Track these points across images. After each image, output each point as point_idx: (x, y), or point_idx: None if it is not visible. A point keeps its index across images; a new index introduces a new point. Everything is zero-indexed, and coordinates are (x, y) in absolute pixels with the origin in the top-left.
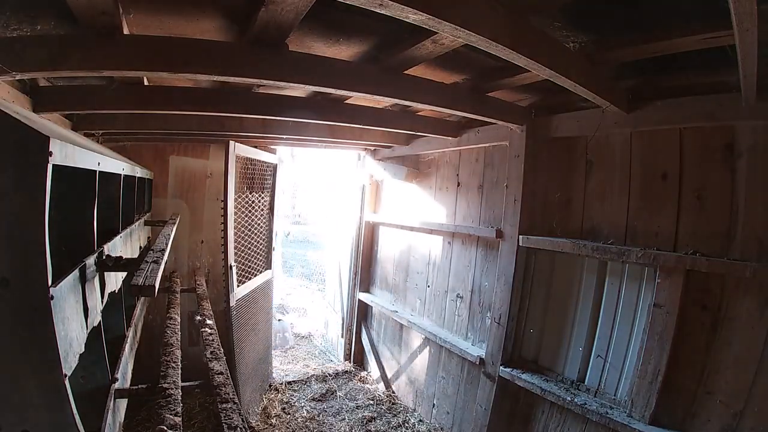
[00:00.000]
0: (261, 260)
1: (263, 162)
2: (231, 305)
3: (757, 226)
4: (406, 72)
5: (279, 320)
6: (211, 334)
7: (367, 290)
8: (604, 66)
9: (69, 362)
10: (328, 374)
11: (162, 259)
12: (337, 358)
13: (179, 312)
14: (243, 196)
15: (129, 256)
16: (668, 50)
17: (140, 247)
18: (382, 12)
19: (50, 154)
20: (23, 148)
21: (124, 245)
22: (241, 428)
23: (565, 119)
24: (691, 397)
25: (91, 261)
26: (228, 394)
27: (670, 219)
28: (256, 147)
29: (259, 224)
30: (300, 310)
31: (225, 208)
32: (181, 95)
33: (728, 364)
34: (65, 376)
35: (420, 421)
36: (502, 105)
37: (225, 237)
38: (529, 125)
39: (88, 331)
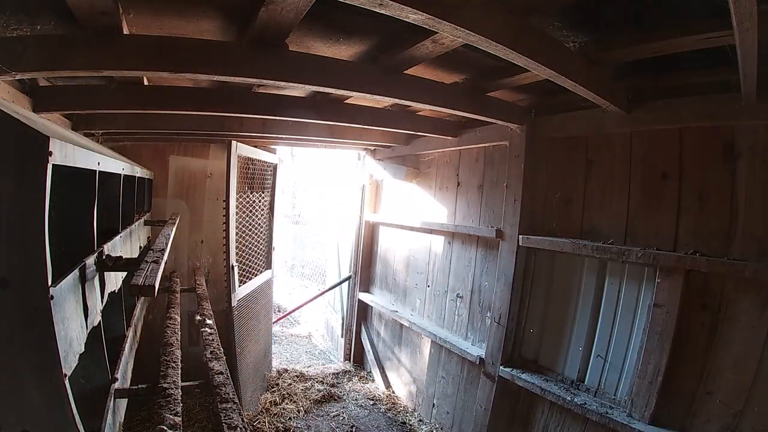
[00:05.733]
0: (261, 260)
1: (264, 162)
2: (233, 305)
3: (757, 226)
4: (406, 72)
5: None
6: (211, 334)
7: (367, 290)
8: (604, 66)
9: (69, 362)
10: (329, 374)
11: (162, 259)
12: (337, 358)
13: (179, 312)
14: (244, 195)
15: (129, 256)
16: (668, 50)
17: (140, 247)
18: (382, 12)
19: (50, 154)
20: (23, 148)
21: (124, 245)
22: (241, 428)
23: (565, 119)
24: (691, 397)
25: (91, 261)
26: (228, 394)
27: (670, 219)
28: (256, 147)
29: (259, 224)
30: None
31: (227, 208)
32: (181, 95)
33: (728, 364)
34: (65, 376)
35: (420, 421)
36: (502, 105)
37: (227, 237)
38: (529, 125)
39: (88, 331)
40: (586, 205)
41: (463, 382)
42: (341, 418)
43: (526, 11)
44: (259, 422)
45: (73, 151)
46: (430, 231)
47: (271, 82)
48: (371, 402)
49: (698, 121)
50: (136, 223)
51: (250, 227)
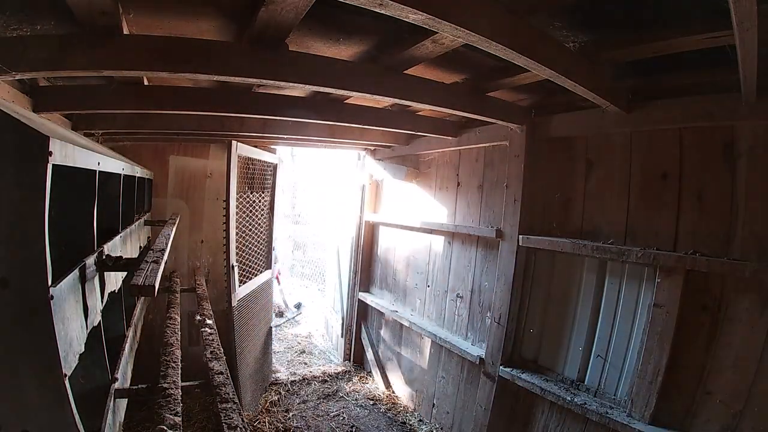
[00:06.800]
0: (261, 260)
1: (264, 162)
2: (233, 305)
3: (757, 226)
4: (406, 72)
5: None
6: (211, 334)
7: (367, 290)
8: (604, 66)
9: (69, 362)
10: (329, 374)
11: (162, 259)
12: (337, 358)
13: (179, 312)
14: (244, 195)
15: (129, 256)
16: (668, 50)
17: (140, 247)
18: (382, 12)
19: (50, 153)
20: (23, 148)
21: (124, 245)
22: (241, 428)
23: (565, 119)
24: (691, 397)
25: (91, 261)
26: (228, 393)
27: (670, 219)
28: (256, 147)
29: (259, 224)
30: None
31: (227, 208)
32: (181, 95)
33: (728, 364)
34: (65, 376)
35: (420, 420)
36: (502, 105)
37: (227, 237)
38: (529, 125)
39: (88, 331)
40: (586, 205)
41: (463, 382)
42: (341, 418)
43: (526, 11)
44: (259, 422)
45: (73, 151)
46: (430, 231)
47: (271, 82)
48: (371, 402)
49: (698, 121)
50: (136, 223)
51: (250, 227)
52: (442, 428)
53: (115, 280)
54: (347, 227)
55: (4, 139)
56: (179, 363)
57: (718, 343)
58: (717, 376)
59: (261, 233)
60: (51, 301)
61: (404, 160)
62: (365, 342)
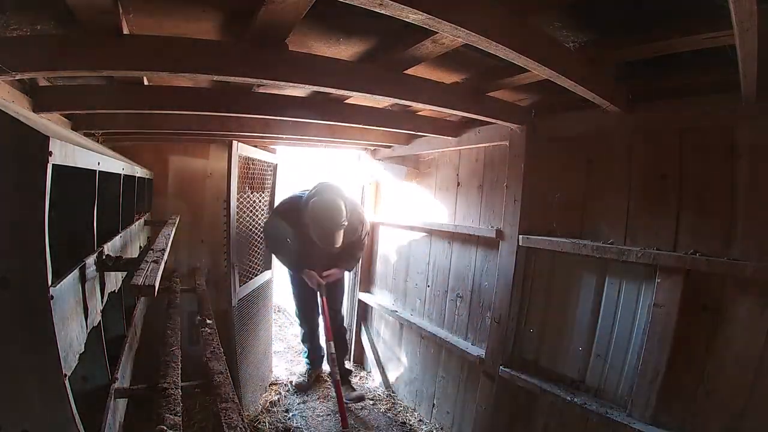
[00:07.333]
0: (261, 260)
1: (264, 162)
2: (233, 305)
3: (757, 226)
4: (406, 72)
5: None
6: (210, 334)
7: (367, 290)
8: (604, 66)
9: (69, 362)
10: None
11: (162, 259)
12: None
13: (179, 312)
14: (244, 195)
15: (129, 256)
16: (668, 50)
17: (140, 247)
18: (382, 12)
19: (50, 153)
20: (23, 148)
21: (124, 245)
22: (241, 428)
23: (565, 119)
24: (691, 397)
25: (91, 261)
26: (228, 393)
27: (671, 219)
28: (256, 147)
29: (259, 224)
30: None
31: (227, 208)
32: (181, 95)
33: (728, 364)
34: (65, 376)
35: (420, 420)
36: (502, 105)
37: (228, 237)
38: (529, 125)
39: (88, 331)
40: (586, 205)
41: (463, 382)
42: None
43: (526, 11)
44: (259, 422)
45: (73, 151)
46: (430, 231)
47: (271, 82)
48: (371, 402)
49: (698, 121)
50: (136, 223)
51: (250, 227)
52: (442, 428)
53: (115, 280)
54: None
55: (4, 139)
56: (179, 363)
57: (718, 343)
58: (717, 376)
59: (261, 233)
60: (51, 301)
61: (404, 160)
62: (365, 342)
